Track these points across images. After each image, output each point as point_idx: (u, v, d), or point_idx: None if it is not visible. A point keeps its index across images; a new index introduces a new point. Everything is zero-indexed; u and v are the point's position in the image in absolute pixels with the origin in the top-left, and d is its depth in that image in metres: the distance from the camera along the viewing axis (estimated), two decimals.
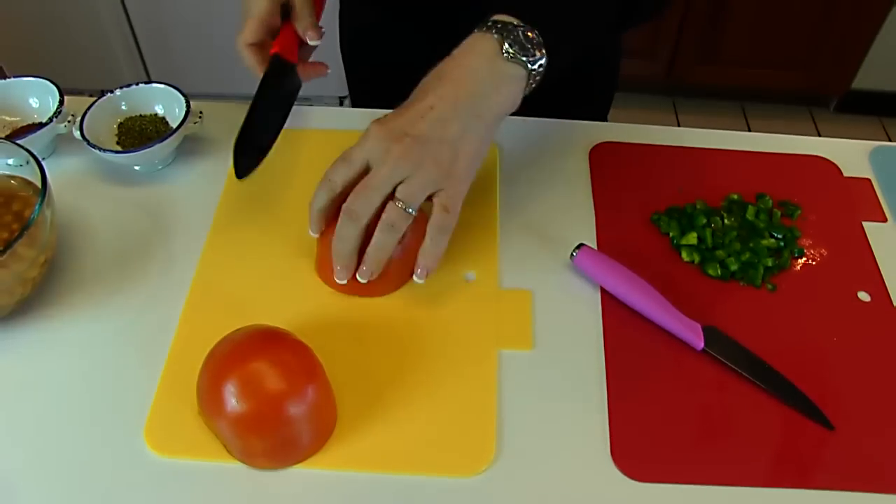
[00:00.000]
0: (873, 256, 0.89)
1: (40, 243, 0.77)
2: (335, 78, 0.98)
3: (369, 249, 0.76)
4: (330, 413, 0.72)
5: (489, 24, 0.76)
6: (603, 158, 0.99)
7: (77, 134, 0.91)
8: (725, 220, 0.90)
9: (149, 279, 0.85)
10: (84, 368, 0.77)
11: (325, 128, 1.02)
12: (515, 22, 0.76)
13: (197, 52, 2.61)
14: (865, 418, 0.76)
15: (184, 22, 2.53)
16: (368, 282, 0.79)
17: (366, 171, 0.75)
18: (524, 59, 0.75)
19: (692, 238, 0.88)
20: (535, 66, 0.76)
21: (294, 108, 0.95)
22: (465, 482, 0.70)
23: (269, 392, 0.67)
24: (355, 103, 1.31)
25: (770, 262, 0.87)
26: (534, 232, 0.90)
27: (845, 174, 0.99)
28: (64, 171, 0.95)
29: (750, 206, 0.92)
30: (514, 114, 0.94)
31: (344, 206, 0.75)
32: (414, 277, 0.79)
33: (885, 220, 0.94)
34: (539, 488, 0.70)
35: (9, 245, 0.72)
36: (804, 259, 0.89)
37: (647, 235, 0.90)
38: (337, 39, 1.22)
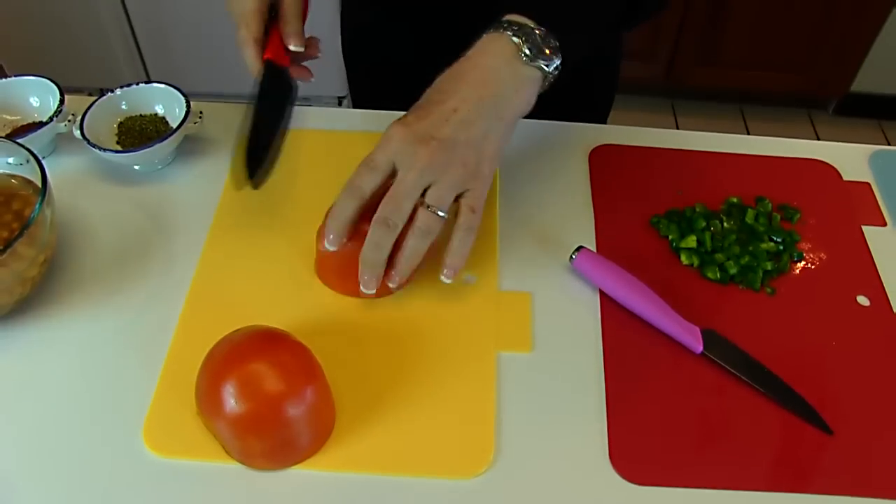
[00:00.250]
0: (872, 261, 0.89)
1: (40, 242, 0.77)
2: (334, 78, 0.98)
3: (402, 256, 0.76)
4: (329, 414, 0.73)
5: (504, 24, 0.76)
6: (603, 161, 0.99)
7: (77, 133, 0.91)
8: (725, 224, 0.91)
9: (148, 279, 0.85)
10: (83, 368, 0.77)
11: (324, 128, 1.02)
12: (532, 24, 0.76)
13: (196, 51, 2.61)
14: (864, 423, 0.76)
15: (183, 21, 2.53)
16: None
17: (391, 174, 0.74)
18: (541, 61, 0.76)
19: (691, 241, 0.88)
20: (551, 69, 0.77)
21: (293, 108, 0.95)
22: (463, 484, 0.70)
23: (268, 393, 0.67)
24: (356, 102, 1.31)
25: (769, 266, 0.87)
26: (533, 234, 0.90)
27: (845, 178, 0.99)
28: (64, 171, 0.95)
29: (749, 210, 0.92)
30: None
31: (377, 216, 0.73)
32: (441, 277, 0.78)
33: (884, 224, 0.94)
34: (537, 491, 0.70)
35: (9, 244, 0.72)
36: (803, 263, 0.89)
37: (646, 238, 0.91)
38: (338, 39, 1.22)
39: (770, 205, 0.94)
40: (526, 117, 0.95)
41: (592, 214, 0.93)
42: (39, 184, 0.78)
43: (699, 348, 0.79)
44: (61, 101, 0.94)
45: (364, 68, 1.24)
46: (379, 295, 0.82)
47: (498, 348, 0.79)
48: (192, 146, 0.98)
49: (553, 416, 0.75)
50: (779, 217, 0.93)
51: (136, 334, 0.80)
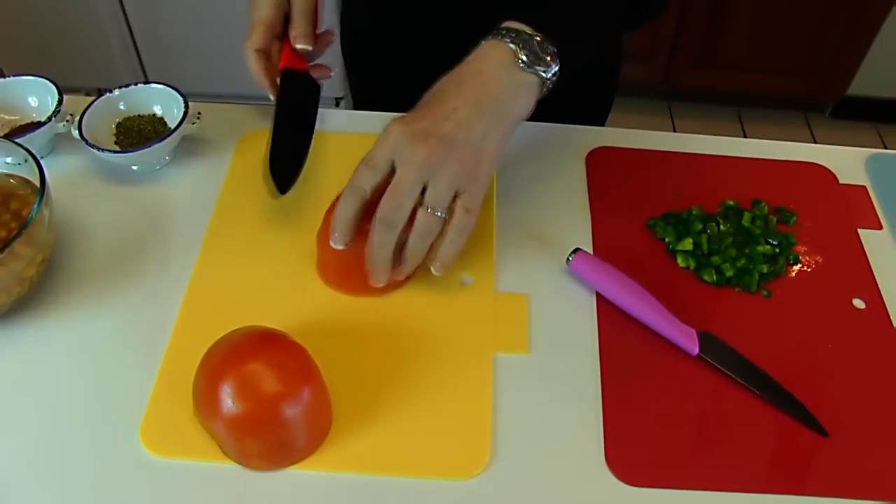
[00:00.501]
0: (868, 264, 0.90)
1: (38, 242, 0.77)
2: (332, 79, 0.98)
3: (406, 255, 0.77)
4: (325, 415, 0.73)
5: (503, 31, 0.77)
6: (600, 163, 0.99)
7: (76, 133, 0.91)
8: (721, 226, 0.91)
9: (146, 279, 0.85)
10: (80, 367, 0.77)
11: (322, 129, 1.02)
12: (529, 31, 0.77)
13: (193, 51, 2.60)
14: (860, 425, 0.76)
15: (181, 21, 2.53)
16: (368, 285, 0.80)
17: (391, 172, 0.74)
18: (538, 68, 0.76)
19: (688, 244, 0.88)
20: (549, 76, 0.77)
21: None
22: (459, 485, 0.70)
23: (265, 393, 0.67)
24: (356, 103, 1.32)
25: (765, 269, 0.87)
26: (530, 236, 0.90)
27: (841, 181, 0.99)
28: (62, 171, 0.95)
29: (746, 213, 0.92)
30: None
31: (378, 215, 0.74)
32: (432, 270, 0.79)
33: (880, 227, 0.94)
34: (533, 492, 0.70)
35: (7, 243, 0.72)
36: (799, 266, 0.89)
37: (642, 240, 0.91)
38: (337, 40, 1.23)
39: (766, 208, 0.94)
40: (526, 120, 0.96)
41: (589, 217, 0.93)
42: (38, 183, 0.78)
43: (695, 350, 0.79)
44: (60, 102, 0.94)
45: (364, 69, 1.24)
46: (383, 291, 0.83)
47: (495, 350, 0.80)
48: (190, 147, 0.98)
49: (549, 418, 0.75)
50: (775, 220, 0.93)
51: (133, 334, 0.80)
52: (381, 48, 1.14)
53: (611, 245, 0.90)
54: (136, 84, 0.98)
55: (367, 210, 0.76)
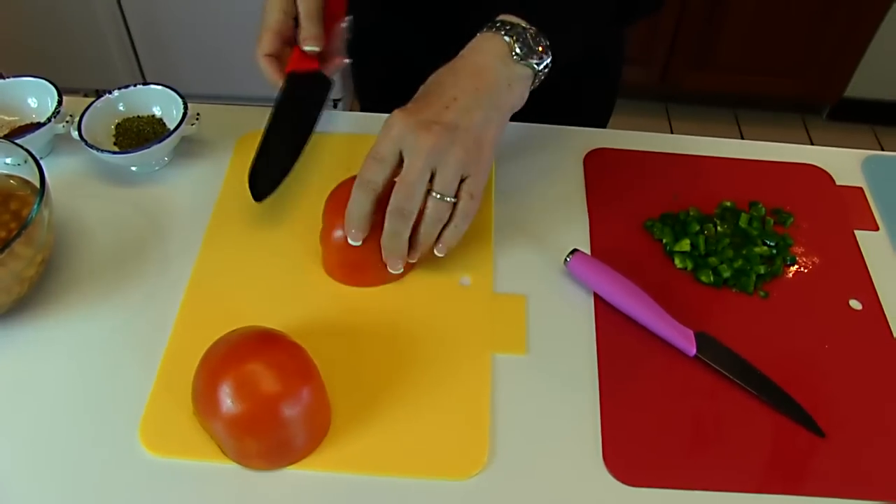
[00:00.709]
0: (865, 265, 0.90)
1: (38, 242, 0.78)
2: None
3: (417, 242, 0.79)
4: (324, 415, 0.73)
5: (497, 24, 0.79)
6: (597, 164, 0.99)
7: (75, 134, 0.91)
8: (718, 228, 0.91)
9: (145, 279, 0.85)
10: (80, 367, 0.78)
11: (322, 132, 1.02)
12: (524, 24, 0.78)
13: (191, 53, 2.61)
14: (856, 426, 0.76)
15: (179, 23, 2.53)
16: (378, 273, 0.83)
17: (398, 163, 0.76)
18: (532, 60, 0.78)
19: (685, 245, 0.88)
20: (542, 68, 0.79)
21: None
22: (458, 485, 0.70)
23: (264, 393, 0.67)
24: (363, 103, 1.32)
25: (762, 270, 0.87)
26: (528, 237, 0.91)
27: (838, 183, 1.00)
28: (61, 171, 0.95)
29: (743, 214, 0.92)
30: (513, 118, 0.94)
31: (391, 206, 0.76)
32: (435, 251, 0.81)
33: (876, 228, 0.95)
34: (531, 492, 0.70)
35: (7, 244, 0.72)
36: (796, 267, 0.90)
37: (640, 242, 0.91)
38: None
39: (763, 209, 0.94)
40: (524, 120, 0.96)
41: (587, 218, 0.93)
42: (38, 184, 0.78)
43: (693, 351, 0.79)
44: (59, 103, 0.94)
45: (371, 67, 1.25)
46: (391, 279, 0.85)
47: (493, 350, 0.80)
48: (188, 148, 0.98)
49: (547, 418, 0.75)
50: (772, 221, 0.93)
51: (132, 334, 0.80)
52: (387, 45, 1.15)
53: (608, 246, 0.90)
54: (135, 85, 0.98)
55: (379, 203, 0.78)
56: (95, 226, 0.90)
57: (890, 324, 0.85)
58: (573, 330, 0.83)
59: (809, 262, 0.90)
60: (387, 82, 0.80)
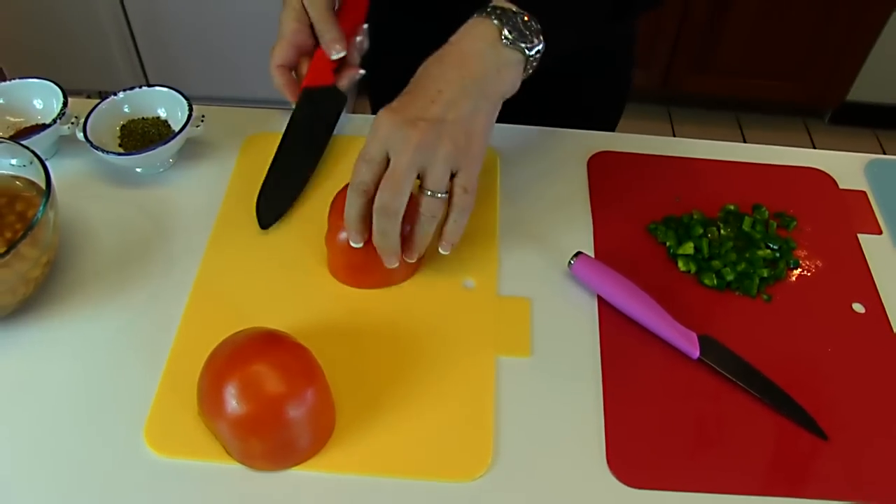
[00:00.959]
0: (868, 268, 0.90)
1: (43, 243, 0.78)
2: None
3: (415, 239, 0.79)
4: (329, 416, 0.73)
5: (488, 10, 0.78)
6: (601, 167, 1.00)
7: (80, 135, 0.91)
8: (722, 231, 0.91)
9: (150, 280, 0.85)
10: (85, 367, 0.78)
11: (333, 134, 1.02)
12: (514, 8, 0.77)
13: (194, 54, 2.61)
14: (859, 429, 0.76)
15: (181, 24, 2.53)
16: (382, 275, 0.83)
17: (387, 162, 0.75)
18: (522, 45, 0.77)
19: (689, 248, 0.89)
20: (533, 53, 0.78)
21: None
22: (461, 487, 0.71)
23: (269, 394, 0.67)
24: (374, 102, 1.32)
25: (766, 273, 0.88)
26: (532, 240, 0.91)
27: (841, 186, 1.00)
28: (66, 173, 0.95)
29: (746, 217, 0.93)
30: (519, 121, 0.95)
31: (376, 204, 0.75)
32: (440, 249, 0.81)
33: (879, 232, 0.95)
34: (535, 494, 0.71)
35: (13, 245, 0.73)
36: (799, 270, 0.90)
37: (643, 244, 0.91)
38: None
39: (767, 212, 0.94)
40: (535, 123, 0.96)
41: (591, 221, 0.93)
42: (43, 185, 0.78)
43: (696, 354, 0.80)
44: (65, 104, 0.94)
45: (384, 68, 1.24)
46: (396, 281, 0.85)
47: (497, 353, 0.80)
48: (193, 149, 0.99)
49: (551, 420, 0.76)
50: (775, 224, 0.93)
51: (137, 335, 0.80)
52: (399, 45, 1.15)
53: (612, 249, 0.90)
54: (140, 87, 0.98)
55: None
56: (100, 227, 0.90)
57: (893, 327, 0.85)
58: (577, 332, 0.83)
59: (812, 266, 0.90)
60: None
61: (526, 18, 0.77)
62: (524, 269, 0.88)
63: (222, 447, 0.71)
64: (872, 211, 0.97)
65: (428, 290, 0.85)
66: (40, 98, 0.98)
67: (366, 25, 0.97)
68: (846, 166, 1.03)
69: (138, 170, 0.96)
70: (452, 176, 0.77)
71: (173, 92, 0.97)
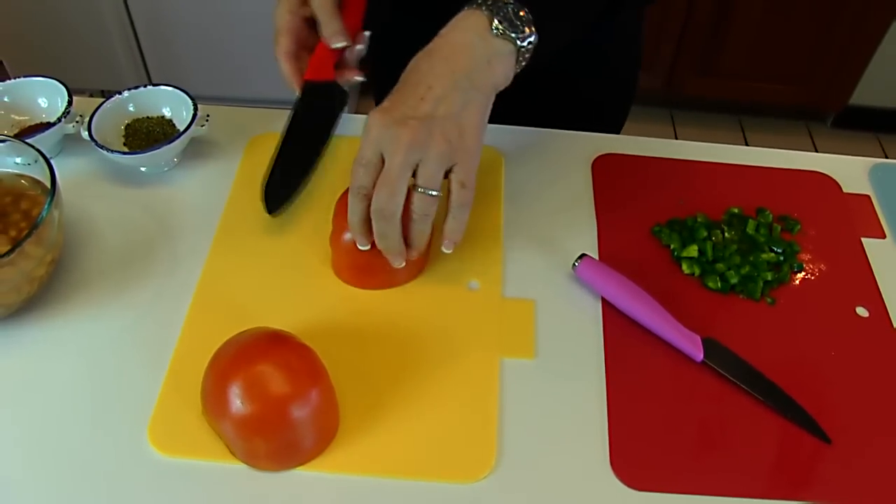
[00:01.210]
0: (872, 272, 0.90)
1: (48, 242, 0.78)
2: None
3: (411, 238, 0.78)
4: (333, 417, 0.73)
5: (479, 0, 0.77)
6: (605, 170, 1.00)
7: (85, 134, 0.92)
8: (726, 234, 0.91)
9: (154, 279, 0.85)
10: (89, 366, 0.78)
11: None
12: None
13: (197, 53, 2.61)
14: (862, 432, 0.76)
15: (185, 23, 2.53)
16: (387, 276, 0.83)
17: (383, 163, 0.75)
18: (513, 35, 0.76)
19: (693, 250, 0.89)
20: (524, 43, 0.77)
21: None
22: (465, 488, 0.71)
23: (273, 394, 0.67)
24: (379, 103, 1.32)
25: (769, 276, 0.88)
26: (537, 242, 0.91)
27: (845, 190, 1.00)
28: (70, 171, 0.95)
29: (750, 220, 0.93)
30: (519, 123, 0.94)
31: (373, 207, 0.75)
32: (443, 248, 0.80)
33: (883, 236, 0.95)
34: (539, 495, 0.71)
35: (18, 243, 0.73)
36: (803, 273, 0.90)
37: (648, 247, 0.91)
38: None
39: (771, 216, 0.94)
40: (542, 125, 0.96)
41: (595, 223, 0.93)
42: (48, 184, 0.78)
43: (700, 356, 0.80)
44: (69, 103, 0.94)
45: (387, 69, 1.24)
46: (401, 282, 0.85)
47: (501, 354, 0.80)
48: (198, 149, 0.99)
49: (555, 422, 0.76)
50: (779, 228, 0.93)
51: (141, 334, 0.81)
52: (401, 46, 1.15)
53: (616, 251, 0.90)
54: (145, 86, 0.99)
55: None
56: (105, 226, 0.90)
57: None
58: (581, 334, 0.83)
59: (816, 269, 0.90)
60: None
61: (518, 11, 0.76)
62: (528, 271, 0.88)
63: (226, 447, 0.71)
64: (876, 215, 0.97)
65: (432, 291, 0.85)
66: (45, 96, 0.98)
67: (368, 33, 0.97)
68: (850, 170, 1.03)
69: (143, 169, 0.96)
70: (449, 173, 0.76)
71: (178, 91, 0.97)
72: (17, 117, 0.97)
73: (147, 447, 0.72)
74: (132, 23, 2.56)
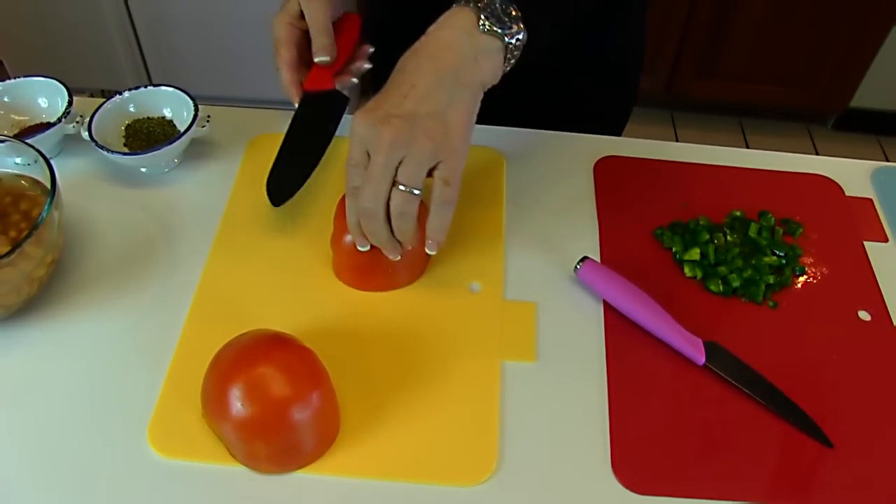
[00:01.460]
0: (874, 276, 0.90)
1: (48, 243, 0.78)
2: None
3: (397, 236, 0.77)
4: (333, 419, 0.73)
5: None
6: (607, 172, 0.99)
7: (85, 135, 0.91)
8: (728, 237, 0.91)
9: (154, 281, 0.85)
10: (89, 368, 0.78)
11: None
12: None
13: (197, 53, 2.61)
14: (864, 436, 0.76)
15: (185, 23, 2.53)
16: (388, 278, 0.83)
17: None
18: (500, 31, 0.75)
19: (695, 253, 0.88)
20: (513, 40, 0.76)
21: None
22: (466, 491, 0.70)
23: (274, 397, 0.67)
24: None
25: (772, 280, 0.87)
26: (538, 244, 0.91)
27: (847, 193, 1.00)
28: (70, 172, 0.95)
29: (752, 224, 0.92)
30: (521, 125, 0.94)
31: (359, 208, 0.75)
32: (426, 249, 0.78)
33: (886, 240, 0.95)
34: (540, 499, 0.70)
35: (17, 244, 0.72)
36: (805, 277, 0.90)
37: (650, 250, 0.91)
38: None
39: (773, 219, 0.94)
40: (543, 127, 0.95)
41: (597, 225, 0.93)
42: (48, 184, 0.78)
43: (701, 360, 0.79)
44: (70, 103, 0.94)
45: (389, 69, 1.24)
46: (402, 285, 0.85)
47: (502, 357, 0.80)
48: (199, 150, 0.99)
49: (556, 425, 0.75)
50: (781, 231, 0.93)
51: (141, 335, 0.80)
52: (403, 46, 1.15)
53: (618, 254, 0.90)
54: (145, 87, 0.98)
55: None
56: (105, 227, 0.90)
57: None
58: (582, 337, 0.83)
59: (818, 273, 0.90)
60: None
61: (507, 7, 0.75)
62: (530, 274, 0.88)
63: (226, 449, 0.71)
64: (879, 218, 0.97)
65: (434, 293, 0.84)
66: (45, 96, 0.98)
67: (371, 49, 0.97)
68: (852, 173, 1.03)
69: (143, 170, 0.95)
70: (434, 169, 0.75)
71: (179, 92, 0.97)
72: (17, 117, 0.97)
73: (147, 449, 0.72)
74: (133, 23, 2.56)
